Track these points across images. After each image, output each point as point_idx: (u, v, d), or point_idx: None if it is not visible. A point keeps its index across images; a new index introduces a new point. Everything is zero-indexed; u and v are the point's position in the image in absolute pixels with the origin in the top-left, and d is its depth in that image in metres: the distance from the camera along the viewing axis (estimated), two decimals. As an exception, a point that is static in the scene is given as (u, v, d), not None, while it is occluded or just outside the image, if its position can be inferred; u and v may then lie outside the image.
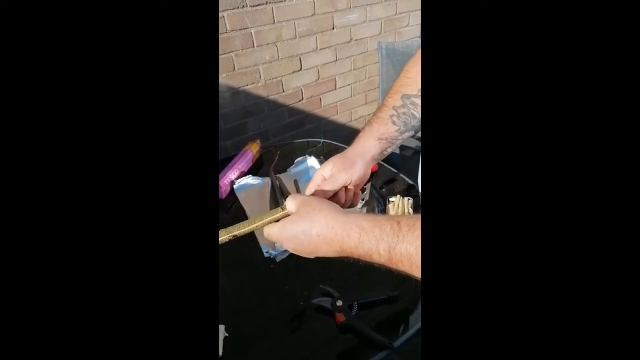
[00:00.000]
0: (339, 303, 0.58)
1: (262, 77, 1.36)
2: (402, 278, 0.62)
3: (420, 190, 0.76)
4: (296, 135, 1.56)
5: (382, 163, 0.95)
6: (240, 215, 0.81)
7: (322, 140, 1.11)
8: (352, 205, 0.53)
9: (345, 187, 0.51)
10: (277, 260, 0.69)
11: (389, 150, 0.54)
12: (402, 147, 1.45)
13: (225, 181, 0.88)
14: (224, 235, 0.43)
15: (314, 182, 0.50)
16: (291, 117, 1.53)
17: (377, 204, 0.82)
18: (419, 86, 0.53)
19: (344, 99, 1.66)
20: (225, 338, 0.55)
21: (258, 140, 1.06)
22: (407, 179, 0.90)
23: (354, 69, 1.60)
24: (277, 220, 0.43)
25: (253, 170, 0.97)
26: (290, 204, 0.42)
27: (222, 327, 0.56)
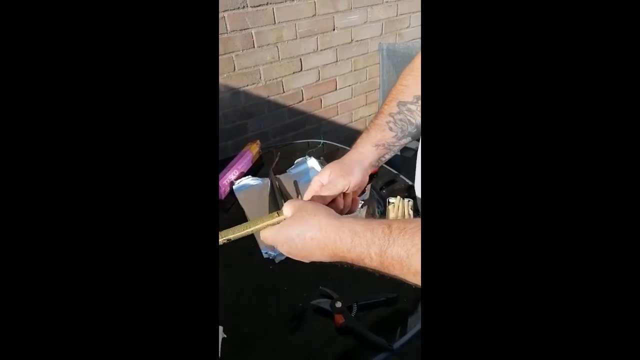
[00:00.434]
0: (338, 304, 0.58)
1: (262, 78, 1.36)
2: (401, 280, 0.62)
3: (417, 194, 0.76)
4: (296, 136, 1.56)
5: (383, 164, 0.95)
6: (240, 216, 0.81)
7: (322, 141, 1.11)
8: (350, 211, 0.53)
9: (344, 194, 0.51)
10: (277, 261, 0.69)
11: (387, 156, 0.55)
12: (403, 149, 1.45)
13: (224, 182, 0.88)
14: (220, 239, 0.43)
15: (311, 189, 0.50)
16: (291, 117, 1.53)
17: (377, 205, 0.82)
18: (415, 93, 0.54)
19: (345, 100, 1.66)
20: (223, 339, 0.55)
21: (258, 141, 1.06)
22: (407, 180, 0.90)
23: (354, 70, 1.60)
24: (272, 225, 0.43)
25: (253, 171, 0.97)
26: (287, 208, 0.43)
27: (220, 328, 0.56)
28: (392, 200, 0.81)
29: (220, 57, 1.21)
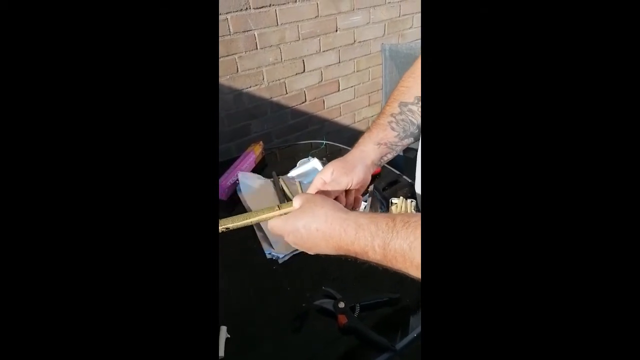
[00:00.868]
0: (341, 305, 0.58)
1: (265, 79, 1.36)
2: (403, 280, 0.62)
3: (417, 192, 0.76)
4: (299, 137, 1.57)
5: (385, 165, 0.95)
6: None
7: (325, 142, 1.12)
8: (353, 209, 0.53)
9: (346, 191, 0.52)
10: (280, 261, 0.69)
11: (389, 156, 0.55)
12: (405, 150, 1.45)
13: (227, 183, 0.88)
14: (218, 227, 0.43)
15: (314, 186, 0.50)
16: (294, 118, 1.53)
17: (380, 206, 0.82)
18: (416, 94, 0.55)
19: (347, 100, 1.66)
20: (227, 339, 0.55)
21: (261, 142, 1.06)
22: (410, 180, 0.90)
23: (357, 71, 1.60)
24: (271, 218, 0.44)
25: (256, 172, 0.98)
26: (296, 201, 0.43)
27: (224, 329, 0.56)
28: (394, 200, 0.81)
29: (223, 59, 1.22)
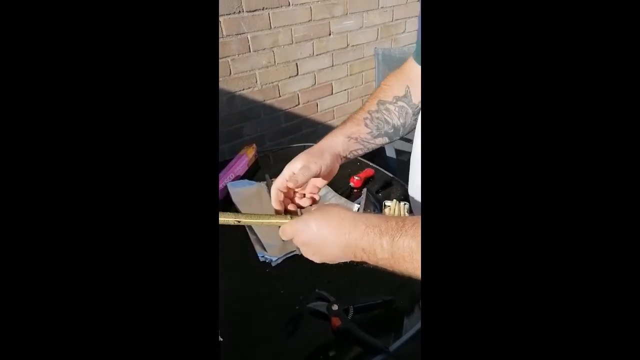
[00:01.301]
0: (335, 307, 0.58)
1: (258, 82, 1.36)
2: (397, 282, 0.63)
3: (410, 194, 0.76)
4: (292, 139, 1.57)
5: (378, 168, 0.96)
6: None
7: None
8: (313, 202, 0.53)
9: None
10: (273, 264, 0.69)
11: (359, 152, 0.55)
12: (399, 152, 1.46)
13: (220, 185, 0.88)
14: (231, 218, 0.46)
15: (282, 177, 0.49)
16: (287, 121, 1.53)
17: (374, 209, 0.82)
18: (396, 94, 0.56)
19: (341, 104, 1.67)
20: (220, 342, 0.55)
21: (254, 145, 1.06)
22: (403, 183, 0.90)
23: (350, 75, 1.61)
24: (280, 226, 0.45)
25: (248, 175, 0.97)
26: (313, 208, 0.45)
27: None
28: (387, 203, 0.81)
29: (216, 62, 1.22)
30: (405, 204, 0.80)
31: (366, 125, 0.54)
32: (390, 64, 1.49)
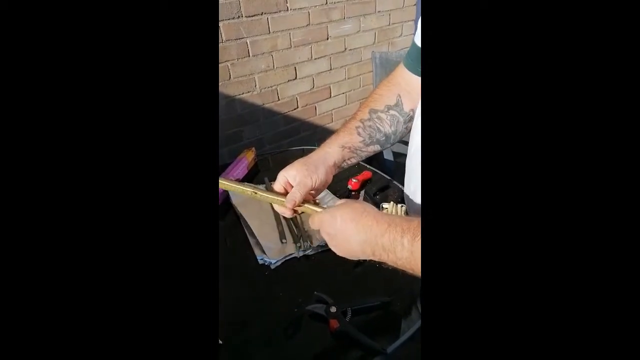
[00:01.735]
0: (333, 309, 0.59)
1: (257, 86, 1.37)
2: (394, 285, 0.63)
3: (407, 194, 0.77)
4: (291, 142, 1.58)
5: (376, 170, 0.96)
6: (234, 222, 0.81)
7: (317, 148, 1.12)
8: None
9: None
10: (272, 267, 0.70)
11: (352, 160, 0.57)
12: (396, 155, 1.47)
13: (220, 189, 0.88)
14: (248, 189, 0.51)
15: (278, 183, 0.51)
16: (286, 125, 1.54)
17: (371, 211, 0.83)
18: (387, 103, 0.57)
19: (339, 107, 1.68)
20: (219, 345, 0.55)
21: (253, 148, 1.06)
22: (400, 185, 0.91)
23: (348, 78, 1.62)
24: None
25: (248, 178, 0.98)
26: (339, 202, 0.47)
27: (216, 334, 0.56)
28: (385, 205, 0.82)
29: (215, 66, 1.22)
30: (402, 206, 0.81)
31: (359, 134, 0.55)
32: (388, 67, 1.50)
